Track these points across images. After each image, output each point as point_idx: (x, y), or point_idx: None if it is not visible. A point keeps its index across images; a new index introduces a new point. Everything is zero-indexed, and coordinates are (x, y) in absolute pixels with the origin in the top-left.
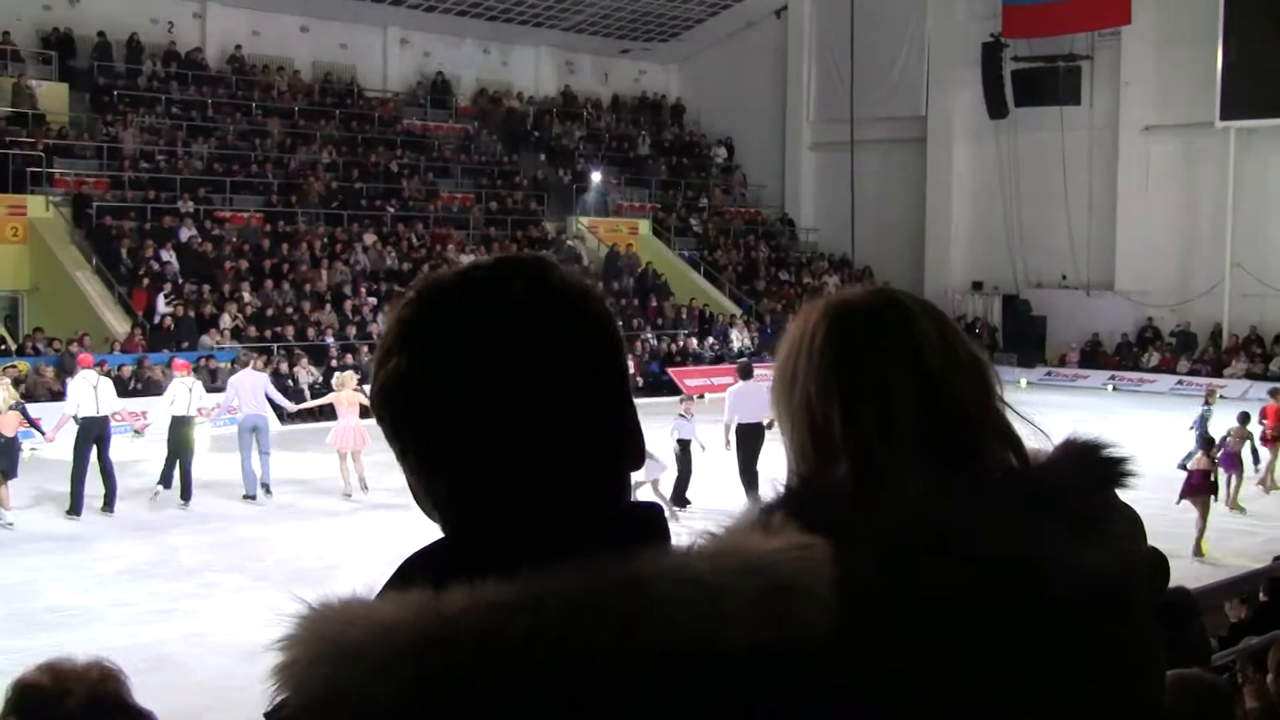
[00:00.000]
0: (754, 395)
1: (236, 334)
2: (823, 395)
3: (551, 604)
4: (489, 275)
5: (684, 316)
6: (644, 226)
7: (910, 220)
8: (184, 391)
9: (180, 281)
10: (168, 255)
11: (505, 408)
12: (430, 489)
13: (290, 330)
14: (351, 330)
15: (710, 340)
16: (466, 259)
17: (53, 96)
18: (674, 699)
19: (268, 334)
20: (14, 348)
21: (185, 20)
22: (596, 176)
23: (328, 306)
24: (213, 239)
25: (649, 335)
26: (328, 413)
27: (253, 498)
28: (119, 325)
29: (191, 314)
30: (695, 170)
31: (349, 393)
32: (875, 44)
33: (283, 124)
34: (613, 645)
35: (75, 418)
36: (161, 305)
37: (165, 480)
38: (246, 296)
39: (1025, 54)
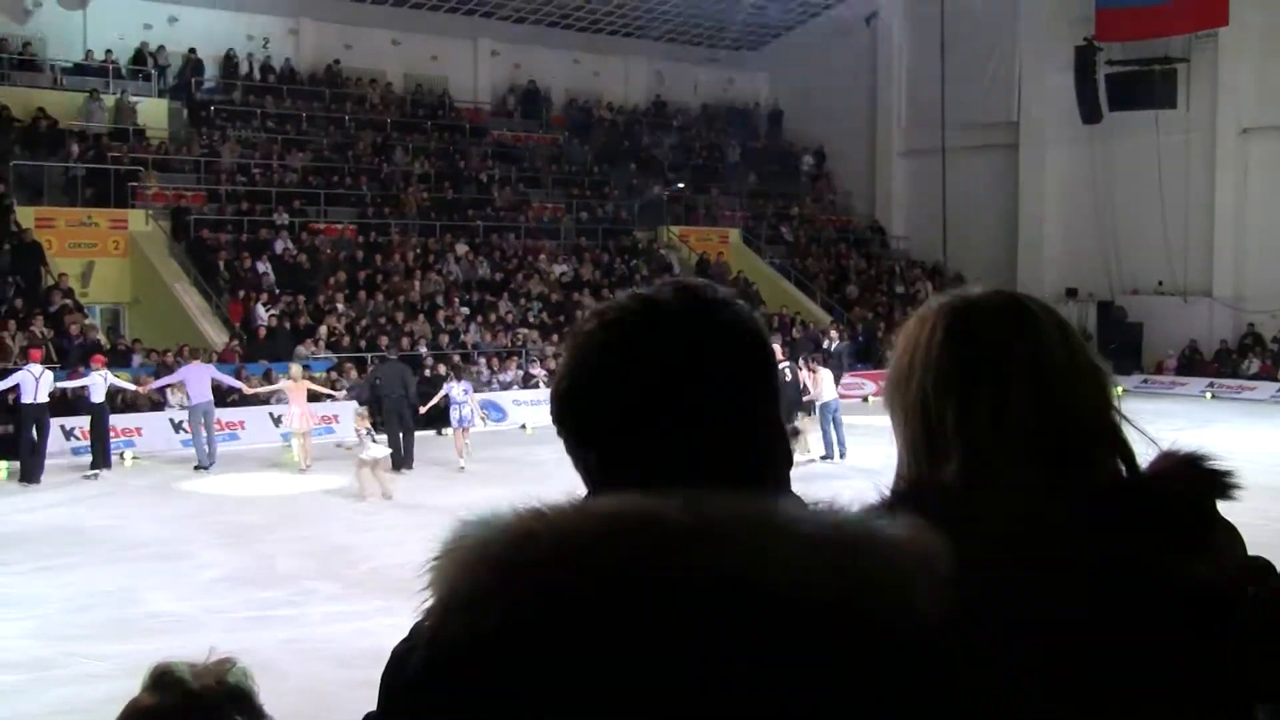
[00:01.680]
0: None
1: (331, 344)
2: (939, 392)
3: (627, 518)
4: (652, 293)
5: (774, 325)
6: (734, 235)
7: (1002, 227)
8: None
9: (276, 292)
10: (263, 267)
11: (663, 409)
12: (594, 483)
13: (384, 340)
14: (444, 339)
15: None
16: (558, 269)
17: (152, 112)
18: (736, 633)
19: (362, 344)
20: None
21: (280, 36)
22: (685, 187)
23: (421, 316)
24: (307, 250)
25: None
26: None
27: (205, 468)
28: (216, 336)
29: (287, 325)
30: (785, 178)
31: (297, 382)
32: (966, 49)
33: (375, 136)
34: (667, 568)
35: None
36: (262, 314)
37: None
38: (341, 307)
39: (1119, 57)
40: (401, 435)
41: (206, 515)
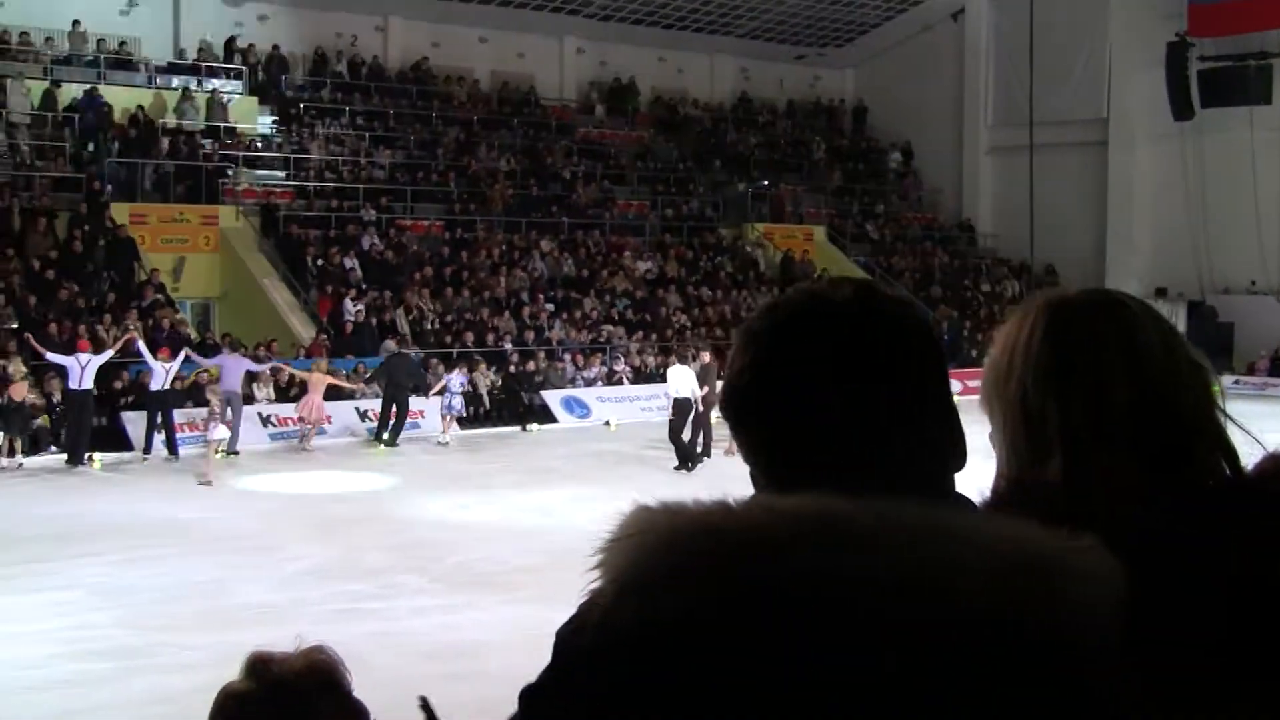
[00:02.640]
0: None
1: (418, 339)
2: (1039, 389)
3: (813, 518)
4: (825, 289)
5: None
6: (819, 233)
7: (1091, 225)
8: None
9: (363, 288)
10: (351, 262)
11: (836, 404)
12: (767, 477)
13: (470, 336)
14: (530, 336)
15: None
16: (643, 266)
17: (243, 110)
18: (908, 637)
19: (447, 339)
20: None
21: (368, 34)
22: (770, 184)
23: (506, 313)
24: (394, 246)
25: None
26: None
27: (236, 453)
28: (304, 331)
29: (374, 320)
30: (871, 175)
31: (320, 375)
32: (1055, 46)
33: (461, 133)
34: (854, 569)
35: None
36: (349, 309)
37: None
38: (427, 303)
39: (1212, 53)
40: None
41: (295, 508)
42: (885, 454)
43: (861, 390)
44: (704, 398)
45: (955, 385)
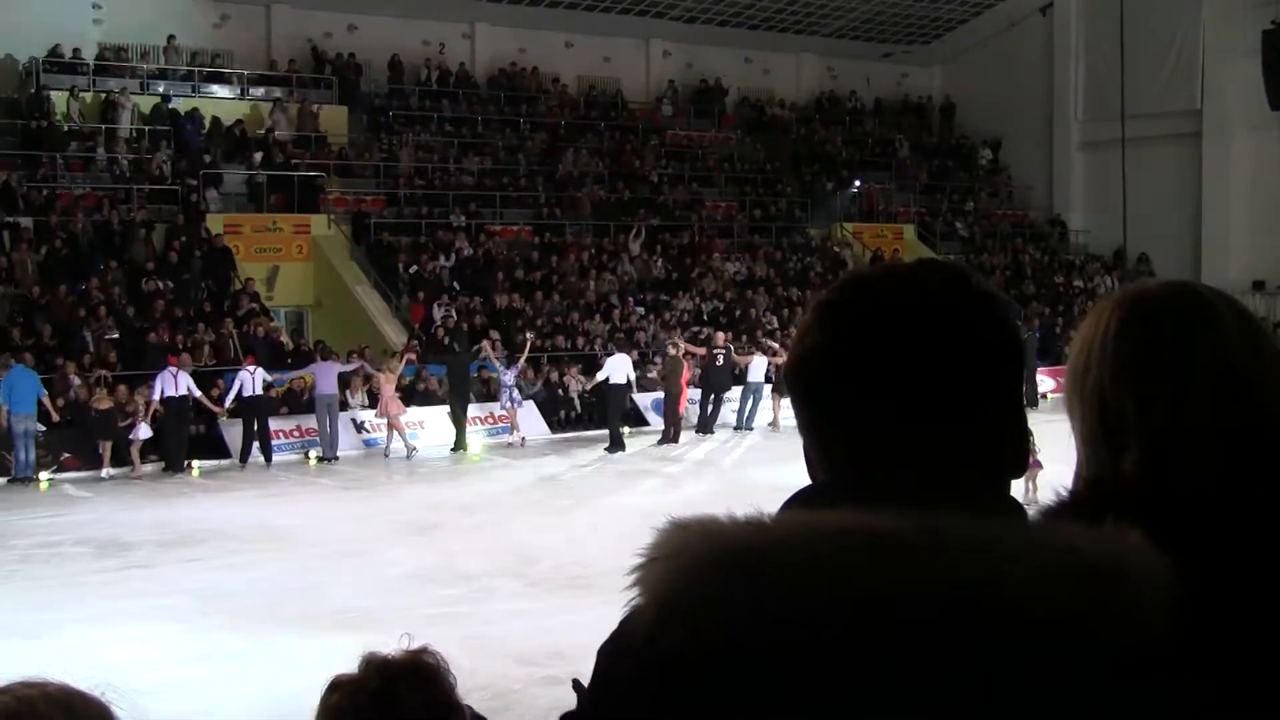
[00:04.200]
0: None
1: (508, 343)
2: (1116, 384)
3: (857, 536)
4: (909, 271)
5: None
6: (909, 231)
7: (1185, 218)
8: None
9: (455, 293)
10: (441, 268)
11: (903, 388)
12: (823, 453)
13: (561, 340)
14: (620, 339)
15: None
16: (731, 267)
17: (333, 119)
18: (973, 657)
19: (539, 343)
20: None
21: (455, 40)
22: (856, 183)
23: (596, 316)
24: (484, 252)
25: None
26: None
27: (329, 460)
28: (396, 337)
29: (465, 325)
30: (960, 173)
31: (388, 374)
32: (1146, 37)
33: (549, 138)
34: (902, 587)
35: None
36: (438, 314)
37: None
38: (517, 306)
39: None
40: (457, 418)
41: (390, 513)
42: (950, 452)
43: (938, 383)
44: (669, 387)
45: (1048, 384)
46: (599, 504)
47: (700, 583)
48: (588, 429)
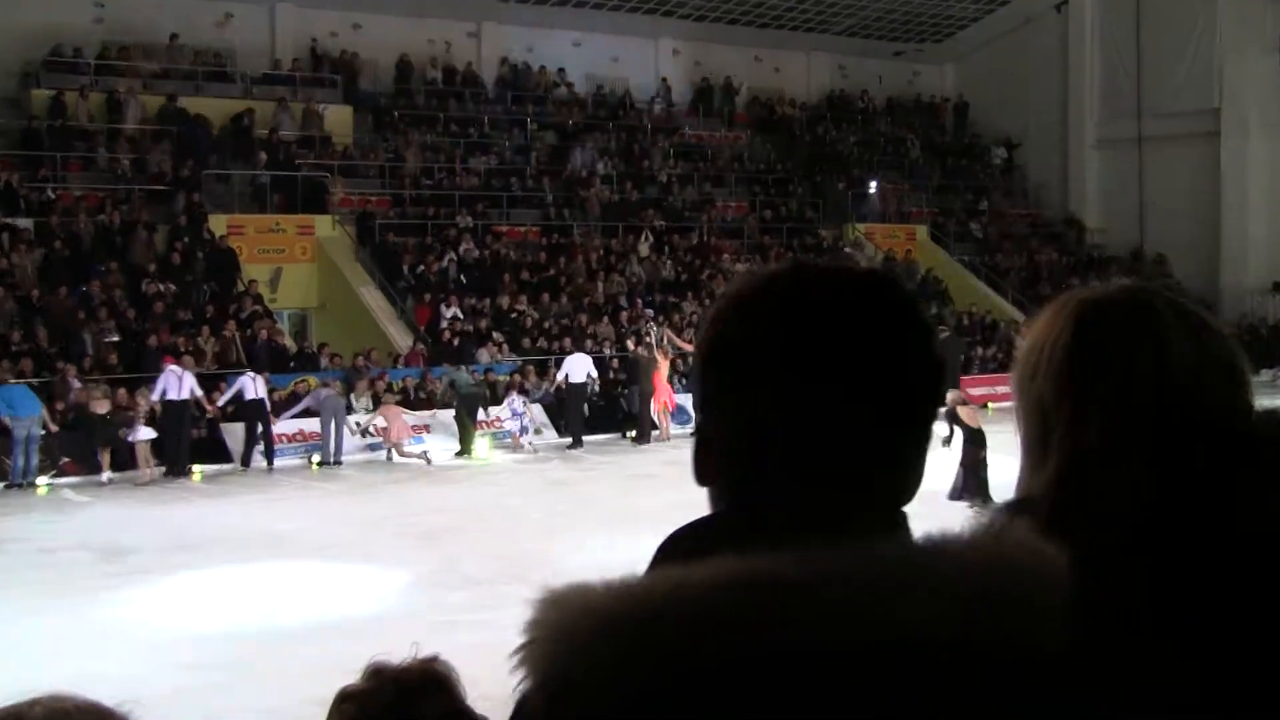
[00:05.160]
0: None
1: (514, 347)
2: (1054, 395)
3: (763, 586)
4: (826, 266)
5: (965, 323)
6: (922, 232)
7: (1203, 218)
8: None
9: (460, 295)
10: (447, 270)
11: (807, 391)
12: (720, 453)
13: (569, 342)
14: (630, 342)
15: (993, 347)
16: (741, 269)
17: (338, 119)
18: (881, 698)
19: (545, 344)
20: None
21: (461, 40)
22: (874, 185)
23: (605, 319)
24: (491, 253)
25: None
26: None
27: (333, 464)
28: (401, 339)
29: (470, 328)
30: (974, 172)
31: (391, 409)
32: (1163, 35)
33: (556, 137)
34: (819, 634)
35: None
36: (446, 315)
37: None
38: (524, 309)
39: None
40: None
41: (395, 519)
42: (857, 472)
43: (851, 393)
44: (641, 385)
45: None
46: (607, 508)
47: (583, 663)
48: (596, 433)
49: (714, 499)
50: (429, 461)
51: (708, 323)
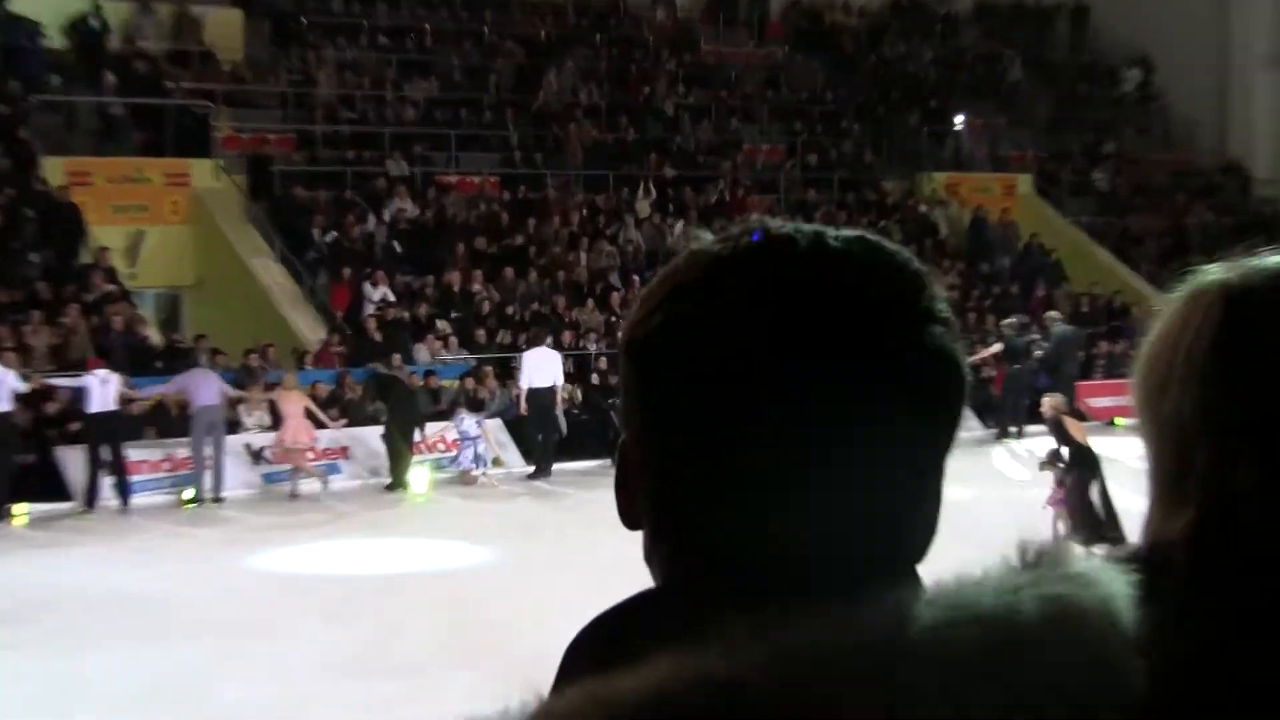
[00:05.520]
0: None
1: (466, 340)
2: (1195, 415)
3: (748, 687)
4: (808, 230)
5: (1084, 309)
6: (1024, 183)
7: None
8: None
9: (392, 271)
10: (375, 235)
11: (784, 404)
12: (655, 492)
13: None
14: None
15: (1122, 341)
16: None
17: (223, 28)
18: None
19: (508, 338)
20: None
21: None
22: (958, 120)
23: (589, 301)
24: (435, 212)
25: (1036, 335)
26: None
27: (211, 501)
28: (310, 330)
29: (406, 314)
30: (1097, 103)
31: (291, 391)
32: None
33: (525, 55)
34: None
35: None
36: (373, 299)
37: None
38: (479, 289)
39: None
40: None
41: (301, 579)
42: (843, 521)
43: (835, 405)
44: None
45: None
46: (594, 562)
47: None
48: (579, 459)
49: (649, 549)
50: (324, 484)
51: (637, 305)
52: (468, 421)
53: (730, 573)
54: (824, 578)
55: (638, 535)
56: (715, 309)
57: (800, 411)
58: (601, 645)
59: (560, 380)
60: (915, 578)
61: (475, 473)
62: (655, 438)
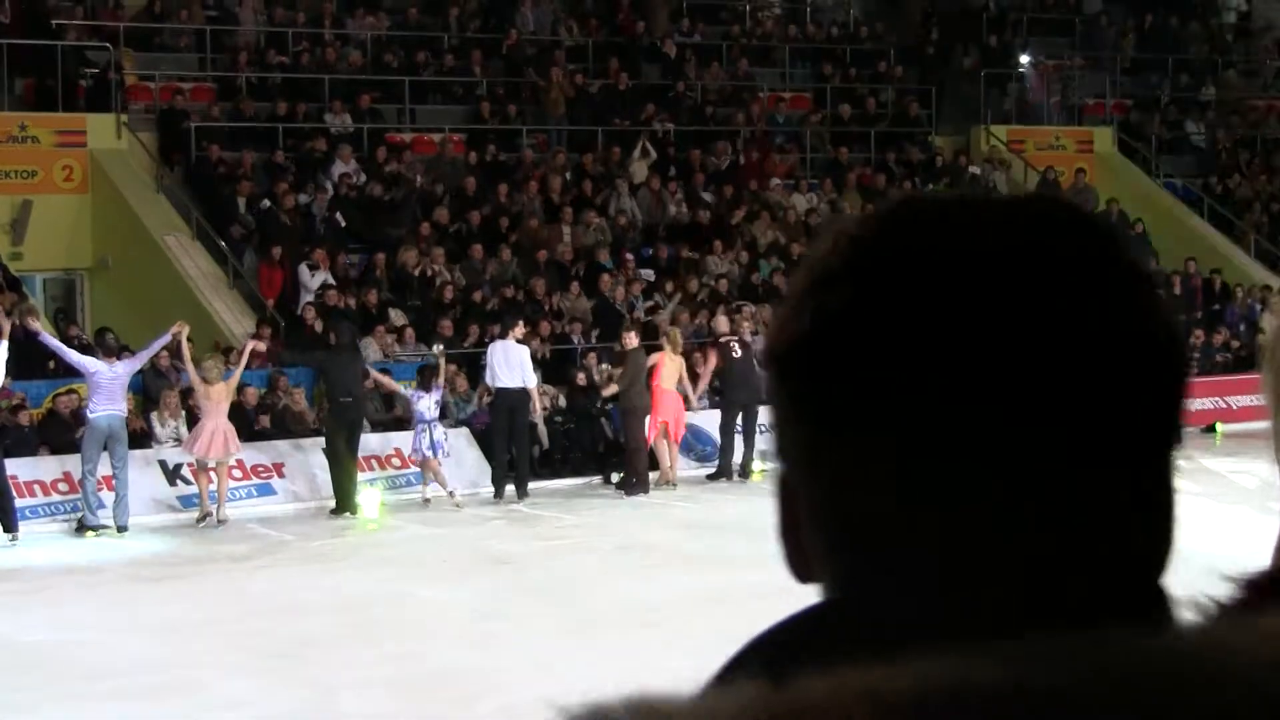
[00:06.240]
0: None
1: (425, 333)
2: None
3: (976, 698)
4: (1012, 205)
5: (1177, 290)
6: (1103, 137)
7: None
8: None
9: (335, 250)
10: (313, 206)
11: (990, 402)
12: (826, 505)
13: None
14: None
15: (1224, 330)
16: (801, 201)
17: None
18: None
19: (474, 331)
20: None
21: None
22: (1024, 62)
23: (574, 285)
24: (384, 178)
25: None
26: None
27: (122, 529)
28: (235, 321)
29: (351, 302)
30: (1191, 37)
31: (218, 386)
32: None
33: None
34: None
35: None
36: (310, 283)
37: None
38: (440, 271)
39: None
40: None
41: (230, 624)
42: (1053, 538)
43: (1044, 407)
44: (629, 400)
45: None
46: (582, 602)
47: None
48: (562, 476)
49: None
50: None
51: (788, 306)
52: (424, 400)
53: (959, 591)
54: (1057, 596)
55: (632, 568)
56: (882, 297)
57: (1000, 408)
58: (780, 654)
59: (532, 381)
60: (1160, 594)
61: (435, 461)
62: (829, 458)
